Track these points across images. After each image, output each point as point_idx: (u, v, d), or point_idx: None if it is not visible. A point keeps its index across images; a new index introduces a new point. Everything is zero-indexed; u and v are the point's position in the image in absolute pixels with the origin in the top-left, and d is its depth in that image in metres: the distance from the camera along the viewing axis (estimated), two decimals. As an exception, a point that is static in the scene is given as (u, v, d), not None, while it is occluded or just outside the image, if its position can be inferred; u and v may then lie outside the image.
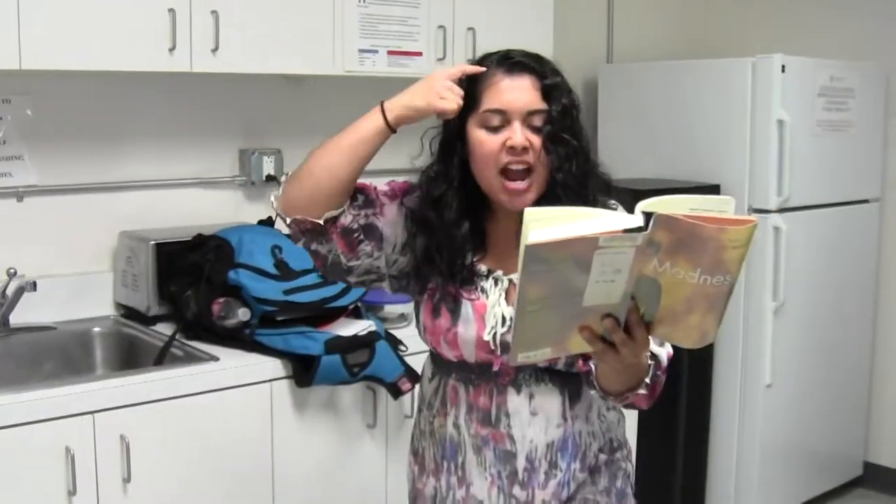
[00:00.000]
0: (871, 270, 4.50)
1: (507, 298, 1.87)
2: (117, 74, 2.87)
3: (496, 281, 1.89)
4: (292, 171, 1.93)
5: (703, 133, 4.06)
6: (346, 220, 1.88)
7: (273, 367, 2.75)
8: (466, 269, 1.90)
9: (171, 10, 2.77)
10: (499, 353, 1.87)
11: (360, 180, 1.90)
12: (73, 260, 3.07)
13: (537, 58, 1.88)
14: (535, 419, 1.91)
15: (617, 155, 4.37)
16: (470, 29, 3.46)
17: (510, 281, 1.87)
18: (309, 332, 2.78)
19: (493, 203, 1.89)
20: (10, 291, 2.86)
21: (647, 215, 1.44)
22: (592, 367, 1.83)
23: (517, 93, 1.82)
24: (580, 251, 1.42)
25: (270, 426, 2.74)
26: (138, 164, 3.20)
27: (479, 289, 1.89)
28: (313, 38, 3.12)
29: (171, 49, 2.78)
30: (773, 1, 4.74)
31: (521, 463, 1.92)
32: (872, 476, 4.64)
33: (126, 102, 3.16)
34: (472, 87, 1.83)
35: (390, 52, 3.29)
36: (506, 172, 1.81)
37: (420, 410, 2.07)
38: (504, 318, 1.86)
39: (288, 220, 1.90)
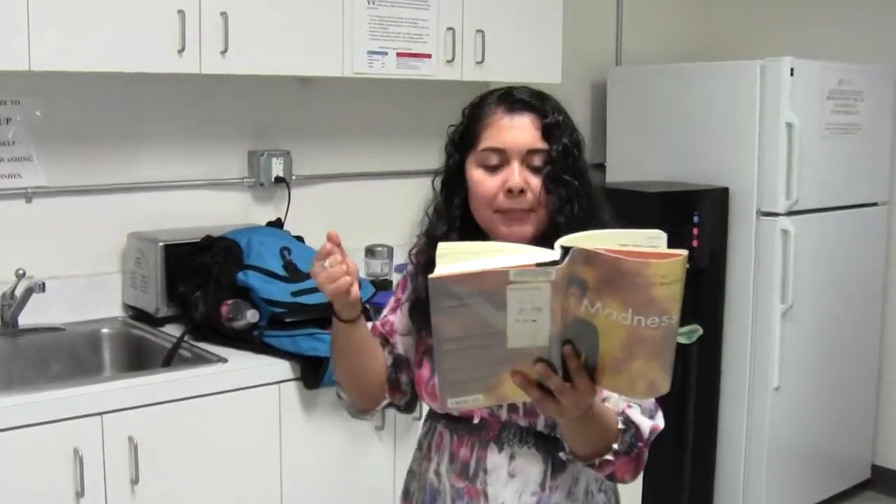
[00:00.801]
0: (880, 273, 4.49)
1: None
2: (126, 76, 2.87)
3: None
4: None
5: (712, 136, 4.06)
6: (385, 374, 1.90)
7: (282, 368, 2.75)
8: None
9: (181, 12, 2.77)
10: (483, 409, 1.80)
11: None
12: (82, 261, 3.07)
13: (539, 95, 1.82)
14: (512, 481, 1.81)
15: (625, 157, 4.38)
16: (479, 31, 3.46)
17: None
18: (318, 334, 2.77)
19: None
20: (18, 292, 2.86)
21: (565, 250, 1.36)
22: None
23: (517, 132, 1.77)
24: (491, 286, 1.34)
25: (279, 428, 2.74)
26: (147, 165, 3.21)
27: None
28: (322, 40, 3.12)
29: (181, 51, 2.79)
30: (782, 4, 4.73)
31: None
32: (881, 479, 4.63)
33: (135, 104, 3.16)
34: (472, 125, 1.81)
35: (399, 54, 3.29)
36: (504, 213, 1.75)
37: (418, 449, 1.99)
38: None
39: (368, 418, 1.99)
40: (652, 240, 1.40)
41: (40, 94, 2.96)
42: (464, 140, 1.82)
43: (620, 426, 1.71)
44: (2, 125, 2.91)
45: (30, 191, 2.97)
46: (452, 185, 1.83)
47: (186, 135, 3.28)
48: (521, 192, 1.73)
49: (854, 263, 4.31)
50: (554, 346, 1.42)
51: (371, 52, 3.23)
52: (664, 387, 1.45)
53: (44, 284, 2.87)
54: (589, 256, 1.33)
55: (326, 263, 1.68)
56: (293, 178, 3.45)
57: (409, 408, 1.96)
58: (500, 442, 1.81)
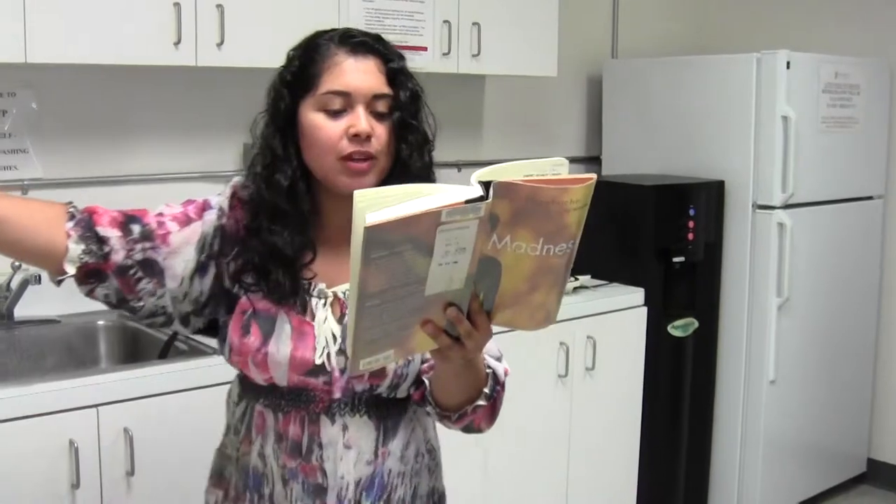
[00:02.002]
0: (876, 267, 4.50)
1: (333, 313, 1.70)
2: (122, 68, 2.87)
3: (321, 295, 1.71)
4: None
5: (708, 129, 4.06)
6: (118, 256, 1.67)
7: (277, 361, 2.75)
8: (297, 277, 1.70)
9: (177, 4, 2.77)
10: (337, 373, 1.69)
11: (141, 207, 1.74)
12: (78, 253, 3.07)
13: (380, 39, 1.73)
14: (348, 453, 1.72)
15: (621, 151, 4.38)
16: (475, 24, 3.46)
17: (335, 294, 1.71)
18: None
19: (321, 196, 1.72)
20: (14, 285, 2.86)
21: (485, 186, 1.30)
22: (427, 382, 1.72)
23: (362, 75, 1.66)
24: (422, 229, 1.27)
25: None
26: (143, 157, 3.20)
27: (298, 304, 1.70)
28: (318, 32, 3.11)
29: (177, 43, 2.78)
30: (779, -3, 4.74)
31: (330, 500, 1.73)
32: (876, 472, 4.64)
33: (131, 96, 3.16)
34: (308, 65, 1.68)
35: (395, 47, 3.28)
36: (346, 160, 1.64)
37: (226, 433, 1.87)
38: (335, 336, 1.69)
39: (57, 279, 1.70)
40: (556, 167, 1.39)
41: (36, 86, 2.95)
42: (298, 83, 1.68)
43: (487, 370, 1.69)
44: (-3, 117, 2.91)
45: (26, 183, 2.97)
46: (284, 130, 1.69)
47: (182, 127, 3.28)
48: (368, 137, 1.64)
49: (850, 257, 4.31)
50: (466, 288, 1.38)
51: (367, 45, 3.22)
52: (555, 316, 1.46)
53: (39, 276, 2.86)
54: (507, 188, 1.30)
55: None
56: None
57: (136, 312, 1.73)
58: (331, 413, 1.72)
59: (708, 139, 4.06)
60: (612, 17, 4.59)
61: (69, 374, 2.55)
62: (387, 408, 1.75)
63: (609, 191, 4.06)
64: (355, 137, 1.63)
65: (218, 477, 1.87)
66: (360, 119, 1.64)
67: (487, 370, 1.69)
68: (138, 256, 1.68)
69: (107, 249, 1.67)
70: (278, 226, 1.68)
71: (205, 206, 1.76)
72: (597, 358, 3.54)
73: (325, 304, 1.70)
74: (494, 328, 1.44)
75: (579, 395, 3.53)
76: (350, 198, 1.44)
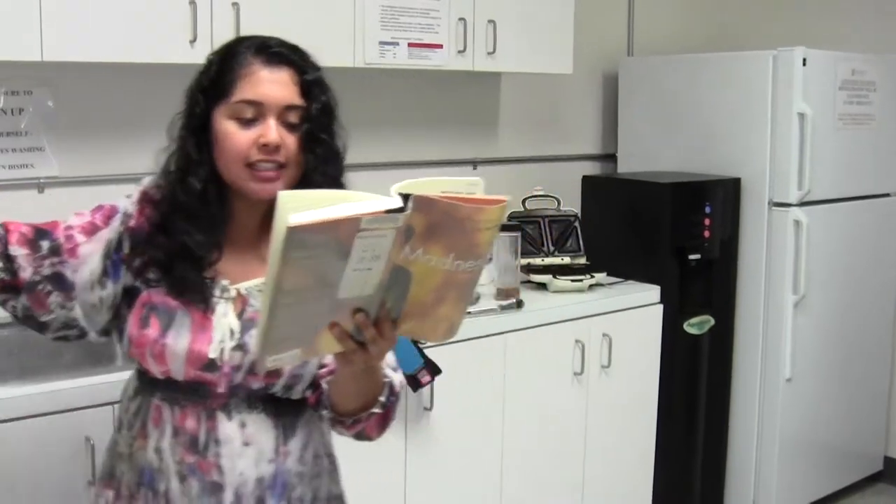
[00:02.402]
0: (892, 264, 4.48)
1: (234, 309, 1.73)
2: (138, 66, 2.88)
3: (223, 290, 1.74)
4: None
5: (724, 126, 4.05)
6: (25, 274, 1.73)
7: (293, 358, 2.75)
8: (200, 273, 1.73)
9: (193, 3, 2.77)
10: (227, 368, 1.71)
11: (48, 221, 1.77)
12: (94, 251, 3.08)
13: (297, 50, 1.75)
14: (246, 450, 1.74)
15: (637, 148, 4.37)
16: (490, 21, 3.46)
17: (237, 291, 1.74)
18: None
19: (230, 198, 1.75)
20: None
21: (404, 197, 1.34)
22: (325, 386, 1.76)
23: (275, 86, 1.68)
24: (343, 234, 1.31)
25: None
26: (158, 156, 3.20)
27: (201, 300, 1.72)
28: (334, 31, 3.12)
29: (192, 41, 2.79)
30: (795, -7, 4.72)
31: (228, 497, 1.73)
32: (893, 471, 4.62)
33: (147, 94, 3.16)
34: (224, 73, 1.70)
35: (411, 45, 3.29)
36: (253, 167, 1.67)
37: (118, 430, 1.85)
38: (232, 332, 1.71)
39: None
40: (471, 186, 1.42)
41: (52, 84, 2.96)
42: (214, 89, 1.71)
43: (384, 379, 1.73)
44: (14, 115, 2.92)
45: (42, 181, 2.98)
46: (199, 134, 1.72)
47: (198, 125, 3.28)
48: (276, 148, 1.67)
49: (866, 254, 4.29)
50: (376, 295, 1.41)
51: (382, 43, 3.23)
52: (457, 330, 1.52)
53: (56, 274, 2.88)
54: (425, 203, 1.34)
55: None
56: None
57: (43, 330, 1.80)
58: (228, 409, 1.74)
59: (724, 136, 4.05)
60: (628, 15, 4.58)
61: (86, 371, 2.55)
62: (284, 407, 1.78)
63: (625, 188, 4.07)
64: (264, 147, 1.66)
65: (108, 477, 1.85)
66: (271, 130, 1.66)
67: (385, 379, 1.73)
68: (47, 272, 1.74)
69: (15, 267, 1.73)
70: (189, 225, 1.71)
71: (111, 213, 1.79)
72: (612, 355, 3.54)
73: (226, 300, 1.73)
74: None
75: (595, 392, 3.52)
76: (259, 202, 1.66)
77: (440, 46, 3.37)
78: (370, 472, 2.91)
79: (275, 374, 1.71)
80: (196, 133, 1.72)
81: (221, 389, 1.72)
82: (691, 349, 3.91)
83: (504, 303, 3.33)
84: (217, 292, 1.74)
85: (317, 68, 1.74)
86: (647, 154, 4.31)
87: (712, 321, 3.95)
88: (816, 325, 4.06)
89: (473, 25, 3.43)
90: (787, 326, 3.94)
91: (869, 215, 4.28)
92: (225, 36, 2.82)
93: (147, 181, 1.81)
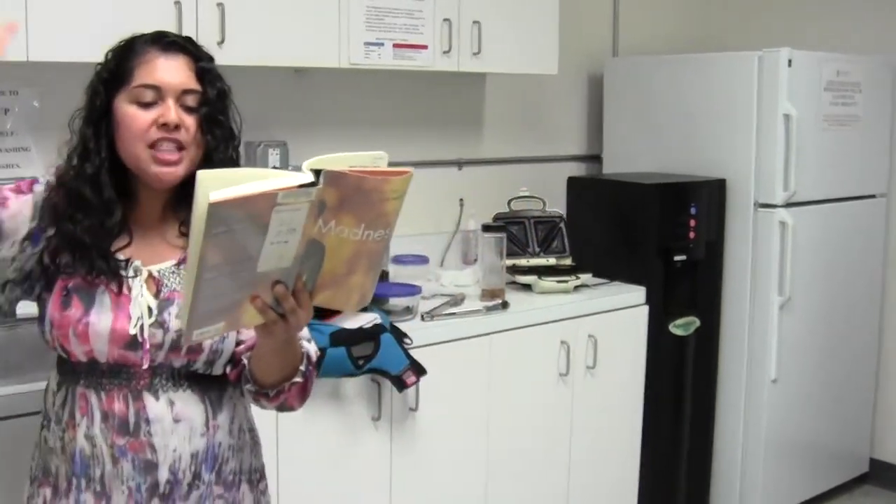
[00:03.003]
0: (878, 266, 4.49)
1: (149, 289, 1.80)
2: (123, 66, 2.87)
3: (136, 272, 1.80)
4: None
5: (709, 127, 4.06)
6: None
7: (278, 359, 2.74)
8: (111, 256, 1.80)
9: (177, 3, 2.77)
10: (148, 346, 1.77)
11: None
12: (79, 252, 3.07)
13: (191, 41, 1.86)
14: (178, 427, 1.80)
15: (622, 149, 4.38)
16: (475, 22, 3.46)
17: (149, 272, 1.81)
18: (314, 325, 2.77)
19: (135, 187, 1.83)
20: (15, 283, 2.86)
21: (315, 173, 1.44)
22: (245, 361, 1.82)
23: (172, 71, 1.79)
24: (260, 209, 1.39)
25: (275, 418, 2.74)
26: (144, 156, 3.20)
27: (116, 279, 1.79)
28: (319, 31, 3.12)
29: (177, 41, 2.78)
30: (780, -5, 4.74)
31: (163, 475, 1.79)
32: (878, 473, 4.64)
33: (132, 95, 3.16)
34: (123, 63, 1.80)
35: (396, 45, 3.29)
36: (154, 147, 1.75)
37: (45, 426, 1.89)
38: (150, 310, 1.78)
39: None
40: (377, 160, 1.54)
41: (38, 84, 2.96)
42: (113, 79, 1.80)
43: (301, 350, 1.82)
44: (0, 116, 2.92)
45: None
46: (99, 123, 1.80)
47: (183, 126, 3.28)
48: (177, 128, 1.75)
49: (852, 255, 4.31)
50: (293, 268, 1.50)
51: (367, 44, 3.23)
52: (370, 297, 1.62)
53: (41, 275, 2.87)
54: (335, 177, 1.43)
55: None
56: (290, 168, 3.43)
57: None
58: (154, 389, 1.80)
59: (709, 137, 4.06)
60: (613, 15, 4.59)
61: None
62: (208, 383, 1.85)
63: (610, 189, 4.07)
64: (164, 126, 1.75)
65: (43, 475, 1.88)
66: (170, 110, 1.75)
67: (302, 349, 1.81)
68: None
69: None
70: (80, 213, 1.78)
71: (33, 182, 1.85)
72: (598, 356, 3.54)
73: (139, 281, 1.80)
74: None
75: (580, 393, 3.53)
76: (161, 189, 1.79)
77: (425, 47, 3.37)
78: (355, 472, 2.91)
79: (196, 350, 1.79)
80: (95, 123, 1.80)
81: (144, 367, 1.78)
82: (677, 350, 3.92)
83: (489, 304, 3.33)
84: (130, 272, 1.80)
85: (210, 59, 1.85)
86: (633, 155, 4.32)
87: (698, 322, 3.96)
88: (802, 327, 4.08)
89: (458, 26, 3.43)
90: (772, 327, 3.95)
91: (854, 216, 4.29)
92: (210, 37, 2.84)
93: (59, 165, 1.87)
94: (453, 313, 3.20)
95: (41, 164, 2.99)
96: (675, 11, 4.85)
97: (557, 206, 3.97)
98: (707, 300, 4.02)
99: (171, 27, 2.74)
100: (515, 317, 3.34)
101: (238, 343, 1.84)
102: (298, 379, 1.81)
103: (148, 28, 2.71)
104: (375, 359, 2.80)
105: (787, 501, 4.21)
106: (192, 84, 1.79)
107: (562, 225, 3.84)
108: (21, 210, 1.79)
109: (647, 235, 3.84)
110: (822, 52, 4.05)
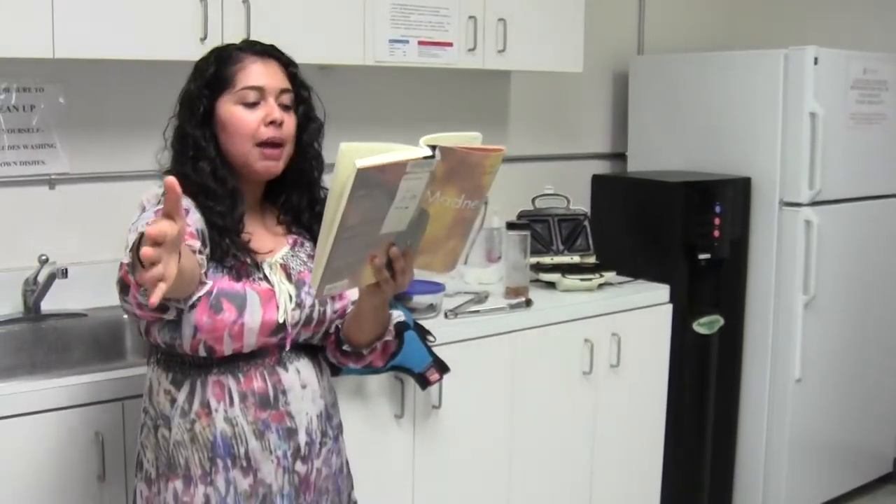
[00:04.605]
0: (904, 265, 4.46)
1: (283, 278, 1.97)
2: (149, 64, 2.88)
3: (270, 266, 1.98)
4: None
5: (735, 125, 4.04)
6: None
7: (301, 355, 2.75)
8: (249, 250, 1.96)
9: (203, 1, 2.77)
10: (290, 328, 1.96)
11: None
12: (104, 247, 3.07)
13: (277, 48, 2.05)
14: (305, 392, 2.01)
15: (647, 147, 4.37)
16: (501, 19, 3.45)
17: (278, 262, 1.99)
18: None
19: (245, 187, 1.99)
20: (41, 278, 2.88)
21: (431, 148, 1.62)
22: (340, 325, 2.03)
23: (270, 74, 1.98)
24: (393, 176, 1.57)
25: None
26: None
27: (254, 276, 1.95)
28: (344, 28, 3.12)
29: (203, 39, 2.79)
30: (807, -8, 4.71)
31: (302, 437, 2.00)
32: (903, 473, 4.61)
33: (157, 91, 3.15)
34: (222, 69, 1.98)
35: (421, 43, 3.29)
36: (262, 144, 1.95)
37: (163, 426, 1.97)
38: (291, 296, 1.96)
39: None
40: (473, 140, 1.73)
41: (63, 81, 2.97)
42: (216, 84, 1.98)
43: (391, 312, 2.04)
44: (26, 112, 2.93)
45: (53, 177, 2.99)
46: (204, 126, 1.97)
47: (208, 122, 3.29)
48: (281, 124, 1.95)
49: (877, 254, 4.28)
50: (406, 232, 1.70)
51: (392, 41, 3.23)
52: (460, 261, 1.87)
53: (66, 270, 2.89)
54: (447, 152, 1.63)
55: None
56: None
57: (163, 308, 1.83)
58: (283, 362, 1.99)
59: (735, 136, 4.04)
60: (639, 13, 4.58)
61: (95, 367, 2.56)
62: (314, 350, 2.07)
63: (635, 187, 4.06)
64: (271, 124, 1.95)
65: (169, 470, 1.97)
66: (275, 109, 1.96)
67: (389, 311, 2.03)
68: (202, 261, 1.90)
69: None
70: (209, 202, 1.93)
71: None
72: (621, 355, 3.53)
73: (275, 272, 1.97)
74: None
75: (604, 391, 3.52)
76: (258, 183, 2.01)
77: (450, 44, 3.36)
78: (378, 469, 2.91)
79: (321, 320, 2.01)
80: (201, 125, 1.97)
81: (287, 349, 1.98)
82: (700, 349, 3.91)
83: (513, 301, 3.32)
84: (266, 269, 1.97)
85: (295, 64, 2.06)
86: (658, 153, 4.31)
87: (722, 321, 3.94)
88: (827, 326, 4.05)
89: (484, 23, 3.42)
90: (797, 327, 3.93)
91: (880, 215, 4.26)
92: (235, 33, 2.85)
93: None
94: (477, 311, 3.20)
95: (67, 160, 3.01)
96: (700, 9, 4.82)
97: (582, 204, 3.96)
98: (731, 299, 4.00)
99: (196, 25, 2.76)
100: (539, 315, 3.33)
101: (333, 311, 2.05)
102: (389, 337, 2.03)
103: (174, 26, 2.74)
104: (399, 356, 2.78)
105: (810, 501, 4.19)
106: (287, 84, 2.00)
107: (586, 223, 3.83)
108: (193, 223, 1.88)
109: (672, 234, 3.82)
110: (849, 50, 4.02)
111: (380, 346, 2.04)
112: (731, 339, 4.02)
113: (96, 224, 3.08)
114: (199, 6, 2.77)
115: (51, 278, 2.87)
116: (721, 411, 4.04)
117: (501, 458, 3.25)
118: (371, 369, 2.15)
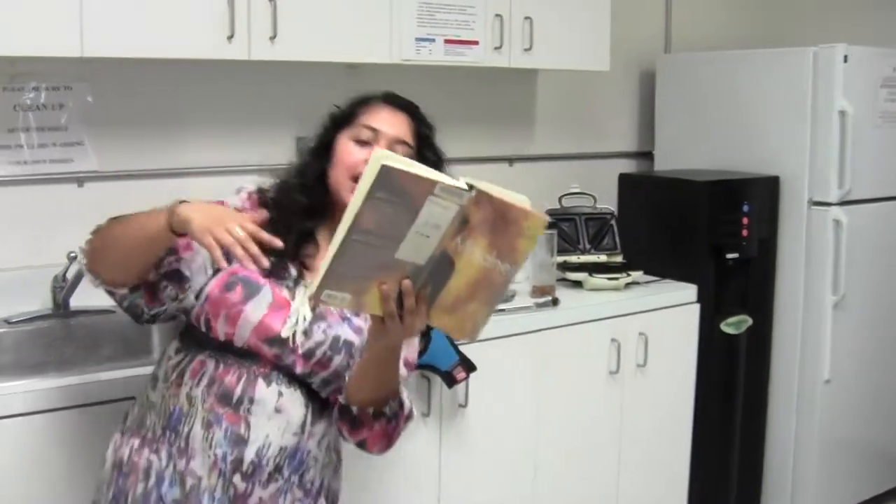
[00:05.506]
0: (934, 265, 4.42)
1: (309, 303, 1.95)
2: (176, 62, 2.90)
3: (306, 286, 1.96)
4: (95, 233, 2.00)
5: (763, 124, 4.01)
6: (151, 276, 1.96)
7: (328, 353, 2.75)
8: (294, 263, 1.99)
9: (230, -1, 2.79)
10: (300, 350, 1.93)
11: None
12: (132, 246, 3.10)
13: (417, 107, 2.11)
14: (277, 416, 1.93)
15: (674, 146, 4.35)
16: (527, 18, 3.45)
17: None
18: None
19: (331, 214, 2.01)
20: (70, 275, 2.90)
21: (469, 186, 1.55)
22: (346, 377, 1.94)
23: (393, 122, 2.03)
24: (418, 191, 1.51)
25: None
26: (196, 150, 3.23)
27: (283, 284, 1.97)
28: (370, 27, 3.12)
29: (230, 37, 2.80)
30: (836, -10, 4.67)
31: (249, 454, 1.92)
32: (933, 475, 4.56)
33: (184, 90, 3.19)
34: (353, 108, 2.07)
35: (447, 41, 3.29)
36: (356, 180, 1.86)
37: (152, 387, 2.05)
38: (304, 318, 1.94)
39: (96, 284, 1.99)
40: (519, 200, 1.61)
41: (92, 79, 2.99)
42: (342, 119, 2.06)
43: (400, 384, 1.94)
44: (55, 111, 2.95)
45: (81, 175, 3.01)
46: (320, 154, 2.06)
47: (235, 121, 3.30)
48: None
49: (908, 254, 4.24)
50: (424, 269, 1.58)
51: (419, 39, 3.23)
52: (479, 333, 1.67)
53: (95, 268, 2.90)
54: (485, 196, 1.55)
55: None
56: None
57: (141, 318, 2.02)
58: (269, 378, 1.94)
59: (763, 134, 4.01)
60: (666, 11, 4.56)
61: (123, 363, 2.57)
62: (315, 395, 1.99)
63: (662, 186, 4.04)
64: None
65: (137, 426, 2.03)
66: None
67: (399, 385, 1.94)
68: (164, 270, 1.96)
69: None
70: (295, 221, 2.01)
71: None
72: (648, 355, 3.52)
73: (304, 293, 1.95)
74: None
75: (630, 391, 3.51)
76: None
77: (476, 43, 3.36)
78: (404, 468, 2.91)
79: (326, 364, 1.94)
80: (318, 153, 2.07)
81: (298, 370, 1.94)
82: (728, 349, 3.88)
83: (539, 300, 3.32)
84: (302, 287, 1.96)
85: (431, 127, 2.12)
86: (685, 152, 4.28)
87: (750, 321, 3.92)
88: (856, 326, 4.02)
89: (510, 22, 3.42)
90: (826, 327, 3.90)
91: (910, 215, 4.22)
92: (262, 32, 2.86)
93: (250, 187, 2.11)
94: (503, 310, 3.19)
95: (95, 158, 3.03)
96: (728, 7, 4.80)
97: (608, 202, 3.95)
98: (759, 299, 3.98)
99: (223, 23, 2.78)
100: (565, 314, 3.32)
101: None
102: (386, 410, 1.92)
103: (201, 25, 2.75)
104: (425, 354, 2.79)
105: (839, 503, 4.15)
106: (408, 139, 2.04)
107: (613, 222, 3.81)
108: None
109: (699, 233, 3.80)
110: (879, 48, 3.98)
111: (378, 426, 1.94)
112: (759, 340, 3.99)
113: (124, 222, 3.09)
114: (226, 5, 2.78)
115: (79, 275, 2.88)
116: (749, 412, 4.01)
117: (528, 457, 3.24)
118: (367, 449, 2.01)
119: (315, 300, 1.63)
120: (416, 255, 1.56)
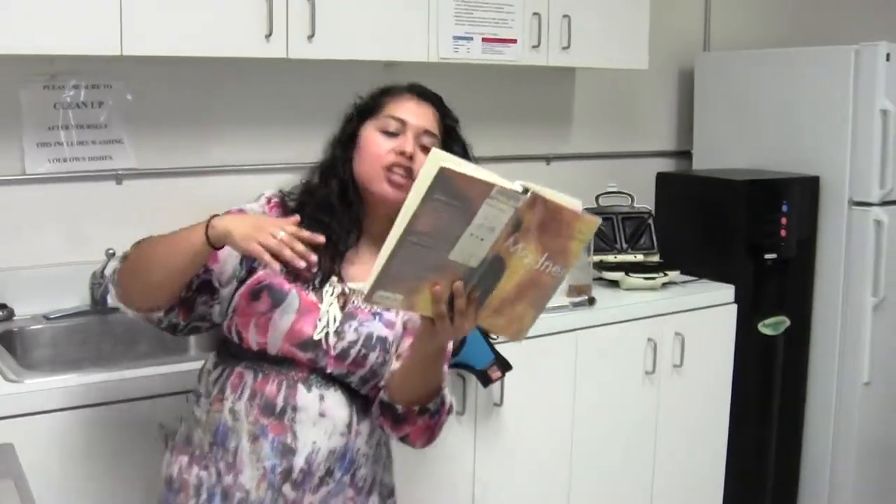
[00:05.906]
0: (977, 267, 4.35)
1: (338, 301, 1.95)
2: (215, 60, 2.91)
3: (332, 286, 1.96)
4: (123, 260, 2.01)
5: (803, 123, 3.97)
6: (184, 293, 1.96)
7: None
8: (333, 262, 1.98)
9: (269, -3, 2.80)
10: (332, 352, 1.92)
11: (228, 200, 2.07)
12: (170, 242, 3.12)
13: (442, 99, 2.10)
14: (322, 421, 1.92)
15: (713, 145, 4.32)
16: (565, 16, 3.43)
17: (343, 290, 1.97)
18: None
19: (363, 209, 2.03)
20: (107, 272, 2.92)
21: (524, 189, 1.54)
22: (387, 376, 1.94)
23: (420, 113, 2.02)
24: (475, 194, 1.50)
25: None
26: (233, 148, 3.24)
27: (311, 286, 1.96)
28: (408, 25, 3.12)
29: (268, 36, 2.81)
30: (878, -13, 4.62)
31: (298, 462, 1.91)
32: (974, 479, 4.50)
33: (223, 88, 3.20)
34: (378, 98, 2.06)
35: (485, 40, 3.28)
36: (389, 170, 1.97)
37: (196, 403, 2.06)
38: (335, 319, 1.93)
39: (131, 313, 2.00)
40: (574, 205, 1.61)
41: (131, 78, 3.01)
42: (367, 109, 2.06)
43: (443, 383, 1.92)
44: (94, 108, 2.97)
45: (120, 172, 3.03)
46: (345, 146, 2.05)
47: (273, 119, 3.31)
48: (410, 158, 1.96)
49: (950, 256, 4.18)
50: (476, 272, 1.58)
51: (456, 38, 3.22)
52: (526, 334, 1.68)
53: (133, 264, 2.92)
54: (539, 199, 1.54)
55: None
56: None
57: (178, 332, 2.03)
58: (308, 383, 1.93)
59: (803, 134, 3.97)
60: (704, 9, 4.52)
61: (160, 360, 2.59)
62: (356, 393, 1.98)
63: (700, 186, 4.01)
64: (401, 154, 1.96)
65: (184, 443, 2.04)
66: (409, 142, 1.98)
67: (443, 383, 1.92)
68: (195, 284, 1.97)
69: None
70: (327, 217, 1.99)
71: (239, 213, 2.01)
72: (685, 355, 3.49)
73: (332, 293, 1.96)
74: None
75: (667, 392, 3.49)
76: (384, 213, 1.93)
77: (514, 41, 3.35)
78: (440, 465, 2.91)
79: (361, 362, 1.93)
80: (343, 144, 2.06)
81: (329, 369, 1.92)
82: (766, 350, 3.85)
83: (576, 300, 3.30)
84: (328, 287, 1.96)
85: (456, 119, 2.11)
86: (723, 151, 4.25)
87: (788, 322, 3.88)
88: (896, 328, 3.98)
89: (548, 20, 3.41)
90: (865, 329, 3.86)
91: (953, 216, 4.16)
92: (300, 31, 2.86)
93: (269, 192, 2.11)
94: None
95: (134, 155, 3.05)
96: (767, 5, 4.75)
97: (646, 202, 3.93)
98: (798, 299, 3.94)
99: (261, 22, 2.78)
100: (602, 313, 3.31)
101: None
102: (430, 406, 1.90)
103: (239, 23, 2.76)
104: (461, 353, 2.79)
105: (877, 507, 4.12)
106: (434, 128, 2.03)
107: (650, 221, 3.79)
108: (231, 253, 1.94)
109: (737, 233, 3.77)
110: (922, 47, 3.93)
111: (421, 421, 1.92)
112: (798, 341, 3.96)
113: (162, 219, 3.08)
114: (265, 4, 2.79)
115: (117, 272, 2.90)
116: (786, 414, 3.97)
117: (563, 457, 3.23)
118: (409, 443, 1.99)
119: (368, 300, 1.62)
120: (470, 257, 1.56)
